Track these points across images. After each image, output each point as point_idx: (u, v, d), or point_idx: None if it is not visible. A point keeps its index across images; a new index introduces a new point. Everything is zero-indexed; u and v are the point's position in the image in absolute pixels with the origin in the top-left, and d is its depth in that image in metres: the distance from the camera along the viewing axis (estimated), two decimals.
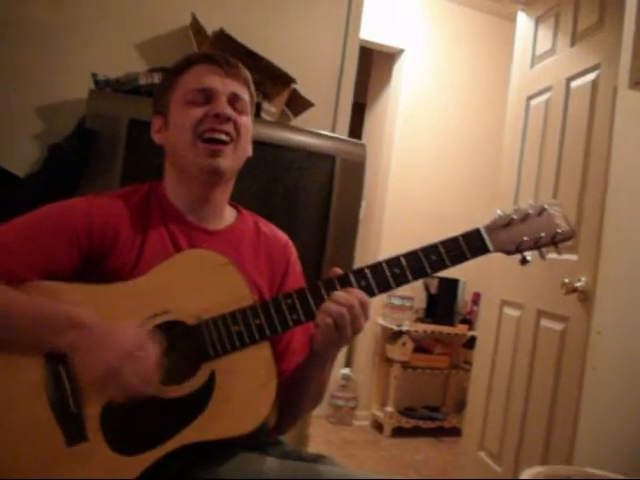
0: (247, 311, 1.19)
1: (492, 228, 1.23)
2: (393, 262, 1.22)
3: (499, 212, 1.25)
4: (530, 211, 1.23)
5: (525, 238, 1.22)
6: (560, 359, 2.55)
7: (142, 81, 2.17)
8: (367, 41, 4.23)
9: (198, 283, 1.21)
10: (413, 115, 4.60)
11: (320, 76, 2.70)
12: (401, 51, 4.61)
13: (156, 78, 2.20)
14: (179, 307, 1.18)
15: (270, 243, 1.44)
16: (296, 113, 2.49)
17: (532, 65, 3.13)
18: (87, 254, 1.24)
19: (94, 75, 2.17)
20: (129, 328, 1.12)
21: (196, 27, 2.41)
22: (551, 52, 2.96)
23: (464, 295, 4.56)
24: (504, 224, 1.23)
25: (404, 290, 4.37)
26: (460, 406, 4.41)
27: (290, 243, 1.49)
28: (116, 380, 1.07)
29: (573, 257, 2.52)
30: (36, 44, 2.33)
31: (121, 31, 2.43)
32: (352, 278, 1.19)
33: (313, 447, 1.69)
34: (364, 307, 1.17)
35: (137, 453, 1.10)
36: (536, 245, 1.23)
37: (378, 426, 4.38)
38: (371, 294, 1.19)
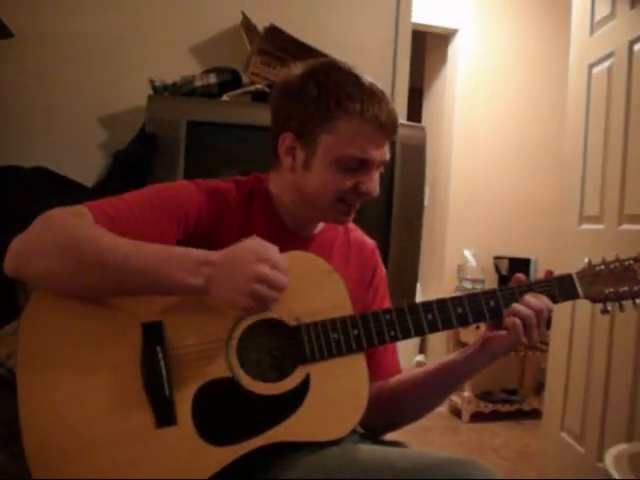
0: (347, 321, 1.20)
1: (582, 276, 1.31)
2: (490, 295, 1.27)
3: (587, 261, 1.34)
4: (617, 265, 1.32)
5: (610, 290, 1.31)
6: (639, 334, 2.47)
7: (198, 83, 2.21)
8: (419, 24, 4.17)
9: (302, 286, 1.21)
10: (471, 95, 4.53)
11: (374, 63, 2.69)
12: (455, 31, 4.53)
13: (212, 79, 2.23)
14: (280, 306, 1.18)
15: (360, 249, 1.45)
16: None
17: (591, 32, 3.03)
18: (189, 238, 1.24)
19: (151, 81, 2.22)
20: (244, 242, 1.12)
21: (247, 24, 2.44)
22: (610, 17, 2.86)
23: (536, 274, 4.47)
24: (593, 274, 1.31)
25: (474, 273, 4.32)
26: (539, 387, 4.33)
27: (377, 248, 1.49)
28: (263, 286, 1.08)
29: None
30: (92, 56, 2.40)
31: (174, 35, 2.48)
32: (450, 303, 1.25)
33: (391, 435, 1.68)
34: (549, 314, 1.24)
35: (225, 444, 1.12)
36: (618, 298, 1.31)
37: (456, 412, 4.34)
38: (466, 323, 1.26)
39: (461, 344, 4.33)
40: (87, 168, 2.31)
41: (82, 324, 1.14)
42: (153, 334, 1.14)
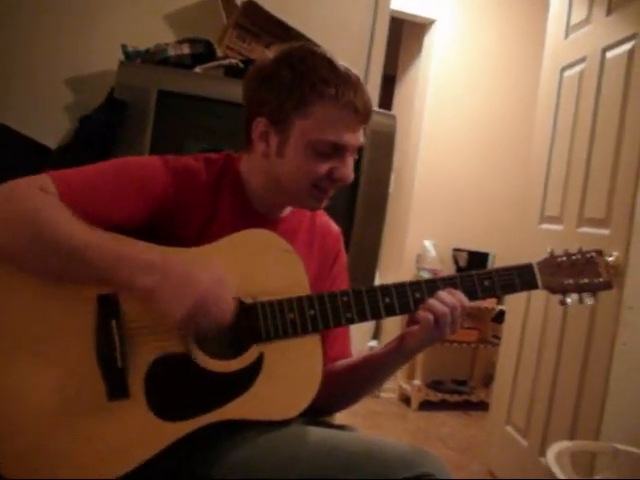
0: (304, 301, 1.20)
1: (543, 266, 1.30)
2: (448, 280, 1.26)
3: (549, 251, 1.33)
4: (579, 257, 1.31)
5: (570, 281, 1.30)
6: (590, 334, 2.52)
7: (171, 52, 2.17)
8: (398, 11, 4.17)
9: (259, 264, 1.21)
10: (444, 86, 4.54)
11: (350, 47, 2.68)
12: (432, 22, 4.54)
13: (185, 49, 2.20)
14: (237, 284, 1.17)
15: (324, 235, 1.44)
16: None
17: (566, 35, 3.06)
18: (155, 217, 1.22)
19: (124, 46, 2.18)
20: (208, 271, 1.12)
21: None
22: (586, 21, 2.89)
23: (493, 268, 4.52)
24: (554, 265, 1.31)
25: (433, 263, 4.35)
26: (488, 380, 4.40)
27: (341, 235, 1.49)
28: (203, 312, 1.07)
29: (605, 231, 2.49)
30: (65, 16, 2.33)
31: (150, 2, 2.43)
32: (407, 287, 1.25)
33: (339, 418, 1.70)
34: (464, 311, 1.22)
35: (176, 420, 1.12)
36: (578, 290, 1.31)
37: (405, 399, 4.39)
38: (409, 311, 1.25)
39: None
40: (51, 130, 2.25)
41: (38, 295, 1.13)
42: (108, 306, 1.13)
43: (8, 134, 2.13)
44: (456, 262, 4.52)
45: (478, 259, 4.45)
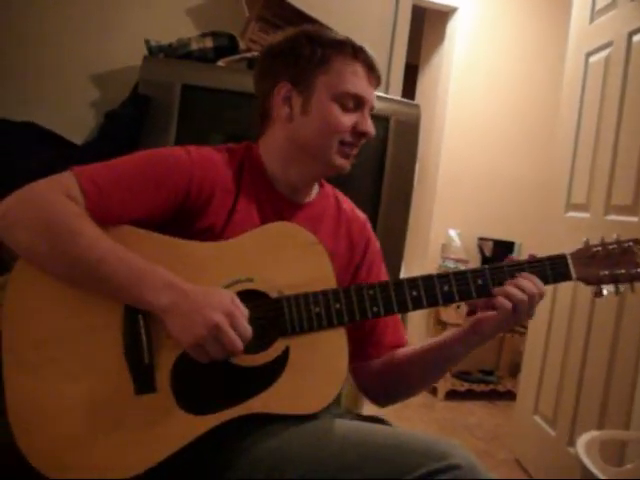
0: (329, 294, 1.19)
1: (576, 257, 1.26)
2: (478, 273, 1.24)
3: (585, 241, 1.28)
4: (615, 247, 1.26)
5: (606, 272, 1.25)
6: (618, 322, 2.50)
7: (194, 46, 2.18)
8: (420, 0, 4.14)
9: (285, 257, 1.21)
10: (467, 74, 4.51)
11: (372, 37, 2.67)
12: (454, 9, 4.50)
13: (208, 42, 2.20)
14: (263, 277, 1.18)
15: (350, 221, 1.44)
16: None
17: (591, 20, 3.02)
18: (180, 210, 1.23)
19: (147, 42, 2.19)
20: (222, 290, 1.13)
21: None
22: (612, 6, 2.85)
23: (520, 258, 4.50)
24: (589, 256, 1.26)
25: (458, 253, 4.33)
26: (515, 370, 4.38)
27: (368, 221, 1.49)
28: (217, 338, 1.07)
29: (633, 219, 2.46)
30: (89, 13, 2.35)
31: None
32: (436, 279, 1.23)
33: (366, 409, 1.70)
34: (542, 298, 1.21)
35: (202, 413, 1.12)
36: (614, 280, 1.26)
37: (432, 389, 4.38)
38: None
39: (441, 323, 4.37)
40: (78, 126, 2.28)
41: (66, 290, 1.14)
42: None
43: (35, 131, 2.15)
44: (481, 251, 4.49)
45: (504, 248, 4.43)
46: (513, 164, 4.59)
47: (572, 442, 2.55)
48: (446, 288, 1.22)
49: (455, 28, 4.51)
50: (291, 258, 1.22)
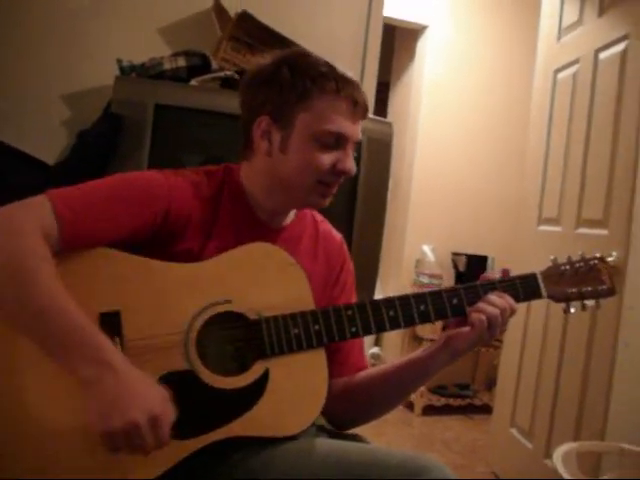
0: (308, 316, 1.20)
1: (546, 275, 1.30)
2: (452, 292, 1.26)
3: (552, 259, 1.32)
4: (582, 265, 1.31)
5: (573, 290, 1.30)
6: (591, 335, 2.53)
7: (167, 65, 2.18)
8: (390, 18, 4.19)
9: (263, 278, 1.21)
10: (438, 92, 4.56)
11: (344, 55, 2.69)
12: (424, 27, 4.56)
13: (180, 62, 2.20)
14: (241, 299, 1.18)
15: (327, 242, 1.44)
16: None
17: (559, 38, 3.07)
18: (157, 233, 1.21)
19: (119, 61, 2.18)
20: (157, 386, 1.06)
21: (218, 9, 2.41)
22: (578, 23, 2.90)
23: (493, 272, 4.53)
24: (558, 274, 1.30)
25: (432, 268, 4.36)
26: (490, 383, 4.40)
27: (344, 242, 1.49)
28: (129, 438, 0.99)
29: (603, 232, 2.50)
30: (59, 31, 2.34)
31: (144, 16, 2.43)
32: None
33: None
34: (513, 313, 1.24)
35: (183, 438, 1.11)
36: (581, 297, 1.30)
37: (409, 404, 4.38)
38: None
39: (417, 338, 4.38)
40: (49, 146, 2.26)
41: None
42: (111, 324, 1.12)
43: (6, 151, 2.13)
44: (455, 266, 4.52)
45: (477, 263, 4.46)
46: (485, 180, 4.64)
47: (549, 454, 2.56)
48: (422, 307, 1.23)
49: (425, 46, 4.57)
50: (269, 279, 1.22)
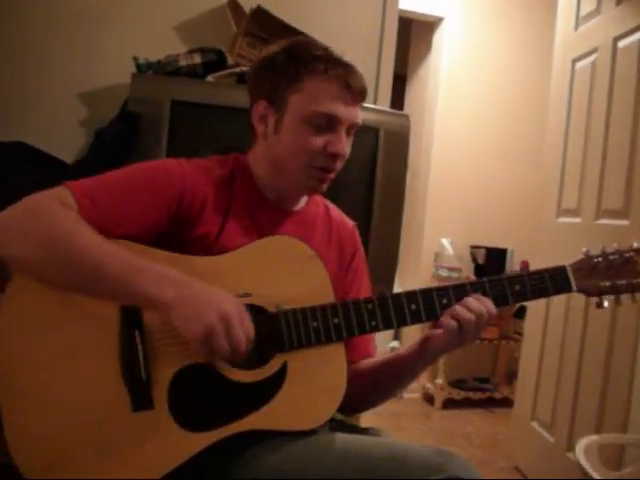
0: (327, 309, 1.19)
1: (577, 268, 1.25)
2: (476, 286, 1.23)
3: (584, 252, 1.26)
4: (616, 257, 1.24)
5: (607, 283, 1.24)
6: (613, 327, 2.51)
7: (182, 62, 2.19)
8: (406, 11, 4.16)
9: (282, 271, 1.21)
10: (455, 84, 4.53)
11: (360, 48, 2.68)
12: (440, 19, 4.52)
13: (196, 58, 2.21)
14: (260, 292, 1.18)
15: (339, 228, 1.45)
16: None
17: (576, 27, 3.04)
18: (174, 219, 1.23)
19: (135, 59, 2.19)
20: (229, 295, 1.11)
21: (233, 5, 2.41)
22: (596, 12, 2.87)
23: (512, 264, 4.50)
24: (589, 267, 1.25)
25: (451, 261, 4.34)
26: (511, 377, 4.38)
27: (356, 229, 1.50)
28: (226, 329, 1.05)
29: (624, 222, 2.47)
30: (75, 30, 2.36)
31: (159, 13, 2.45)
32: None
33: (363, 420, 1.70)
34: (491, 319, 1.20)
35: (199, 430, 1.11)
36: (615, 291, 1.24)
37: (429, 398, 4.38)
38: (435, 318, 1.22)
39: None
40: (68, 145, 2.28)
41: (61, 307, 1.14)
42: (131, 317, 1.13)
43: (25, 151, 2.15)
44: (474, 259, 4.49)
45: (496, 255, 4.43)
46: (503, 171, 4.60)
47: (571, 447, 2.54)
48: (445, 301, 1.21)
49: (441, 38, 4.54)
50: (288, 272, 1.22)
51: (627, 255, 1.24)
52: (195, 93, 2.08)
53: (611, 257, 1.24)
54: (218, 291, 1.10)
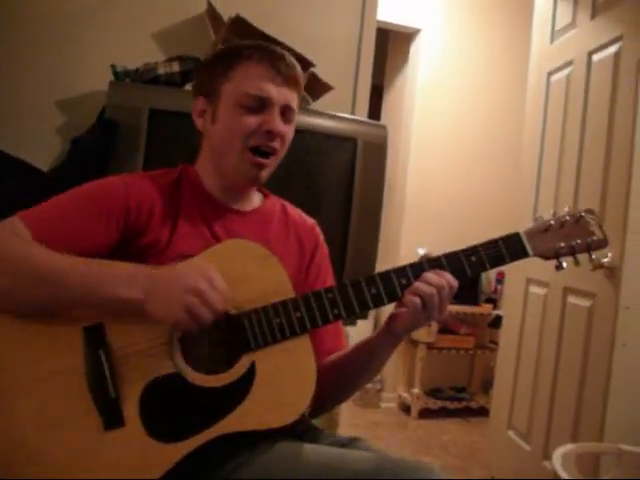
0: (289, 304, 1.19)
1: (531, 233, 1.26)
2: (433, 262, 1.23)
3: (537, 217, 1.28)
4: (567, 218, 1.26)
5: (562, 244, 1.25)
6: (588, 336, 2.53)
7: (161, 70, 2.18)
8: (383, 22, 4.18)
9: (240, 273, 1.21)
10: (431, 95, 4.56)
11: (338, 59, 2.69)
12: (417, 31, 4.56)
13: (174, 67, 2.20)
14: None
15: (298, 225, 1.46)
16: (315, 97, 2.47)
17: (552, 40, 3.09)
18: (123, 231, 1.25)
19: (113, 66, 2.18)
20: (191, 264, 1.14)
21: (212, 14, 2.41)
22: (571, 26, 2.92)
23: (488, 274, 4.54)
24: (543, 230, 1.26)
25: None
26: (487, 386, 4.40)
27: (317, 225, 1.51)
28: (195, 316, 1.07)
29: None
30: (53, 37, 2.33)
31: (137, 21, 2.43)
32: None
33: (341, 430, 1.70)
34: (452, 291, 1.20)
35: (175, 441, 1.10)
36: (572, 251, 1.25)
37: (405, 408, 4.39)
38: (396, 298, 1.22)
39: (413, 342, 4.37)
40: (44, 152, 2.25)
41: (24, 334, 1.14)
42: (95, 337, 1.13)
43: (0, 158, 2.12)
44: None
45: None
46: (479, 181, 4.64)
47: (547, 456, 2.56)
48: (404, 281, 1.21)
49: (418, 49, 4.57)
50: (246, 273, 1.22)
51: (578, 215, 1.26)
52: (173, 101, 2.06)
53: (563, 219, 1.26)
54: (180, 269, 1.12)
